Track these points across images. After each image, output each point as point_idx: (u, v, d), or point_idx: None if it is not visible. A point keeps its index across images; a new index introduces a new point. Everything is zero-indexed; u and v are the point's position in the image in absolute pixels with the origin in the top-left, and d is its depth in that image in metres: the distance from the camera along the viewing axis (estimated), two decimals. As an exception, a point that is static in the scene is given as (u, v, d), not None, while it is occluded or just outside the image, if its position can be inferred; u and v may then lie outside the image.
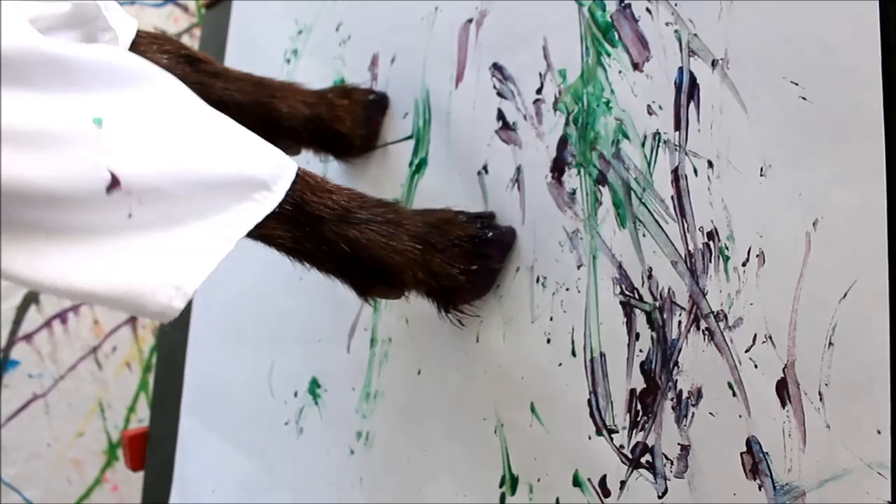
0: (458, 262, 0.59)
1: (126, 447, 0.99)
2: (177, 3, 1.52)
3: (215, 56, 0.94)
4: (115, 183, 0.47)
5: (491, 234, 0.61)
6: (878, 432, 0.42)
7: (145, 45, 0.67)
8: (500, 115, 0.63)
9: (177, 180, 0.50)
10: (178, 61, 0.68)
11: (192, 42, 1.51)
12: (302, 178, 0.56)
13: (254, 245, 0.85)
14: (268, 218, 0.54)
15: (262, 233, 0.55)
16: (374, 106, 0.71)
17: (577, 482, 0.55)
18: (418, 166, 0.69)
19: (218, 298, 0.91)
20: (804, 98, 0.46)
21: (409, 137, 0.70)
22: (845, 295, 0.43)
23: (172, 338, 0.99)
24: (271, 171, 0.54)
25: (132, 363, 1.72)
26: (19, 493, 1.61)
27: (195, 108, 0.53)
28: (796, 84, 0.46)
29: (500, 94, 0.63)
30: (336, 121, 0.70)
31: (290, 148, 0.71)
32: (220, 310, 0.91)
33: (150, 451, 0.98)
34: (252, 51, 0.92)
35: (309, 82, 0.78)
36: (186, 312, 0.95)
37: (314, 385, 0.76)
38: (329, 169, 0.77)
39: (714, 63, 0.50)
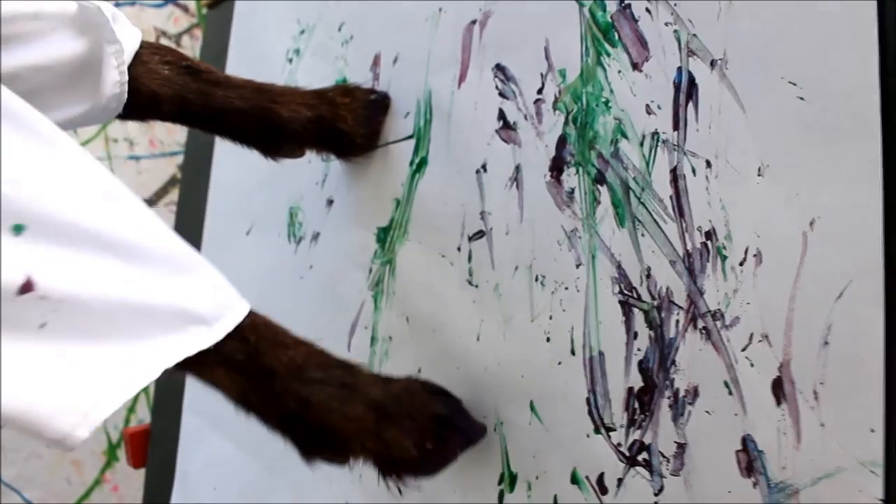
0: (413, 436, 0.56)
1: (128, 444, 0.99)
2: (177, 4, 1.52)
3: (217, 56, 0.95)
4: (27, 286, 0.44)
5: (459, 422, 0.58)
6: (872, 431, 0.42)
7: (147, 55, 0.67)
8: (501, 115, 0.63)
9: (102, 296, 0.47)
10: (179, 72, 0.68)
11: (192, 43, 1.51)
12: (260, 328, 0.54)
13: (255, 245, 0.85)
14: (217, 365, 0.52)
15: (208, 378, 0.53)
16: (375, 105, 0.71)
17: (574, 480, 0.55)
18: (419, 165, 0.69)
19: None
20: (802, 98, 0.46)
21: (410, 137, 0.70)
22: (841, 294, 0.44)
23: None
24: (214, 308, 0.51)
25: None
26: (19, 494, 1.62)
27: (153, 230, 0.51)
28: (794, 84, 0.47)
29: (501, 95, 0.63)
30: (338, 119, 0.70)
31: (295, 150, 0.71)
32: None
33: (152, 449, 0.99)
34: (254, 50, 0.92)
35: (311, 82, 0.78)
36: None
37: (315, 383, 0.76)
38: (331, 168, 0.77)
39: (713, 63, 0.51)
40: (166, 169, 1.69)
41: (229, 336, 0.52)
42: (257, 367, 0.53)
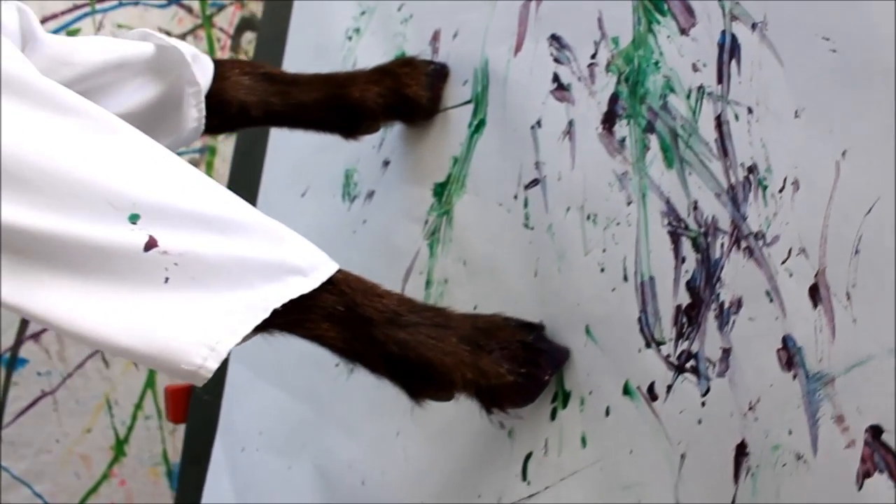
0: (507, 363, 0.62)
1: (168, 400, 1.04)
2: (181, 5, 1.57)
3: (278, 35, 1.03)
4: (151, 243, 0.53)
5: (545, 346, 0.65)
6: (898, 321, 0.49)
7: (228, 71, 0.75)
8: (556, 78, 0.71)
9: (215, 249, 0.54)
10: (258, 79, 0.76)
11: (195, 43, 1.56)
12: (353, 282, 0.61)
13: (309, 206, 0.92)
14: (322, 319, 0.59)
15: (315, 333, 0.60)
16: (435, 73, 0.79)
17: (626, 391, 0.62)
18: (477, 127, 0.77)
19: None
20: (834, 51, 0.55)
21: (469, 102, 0.78)
22: (870, 210, 0.51)
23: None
24: (308, 262, 0.58)
25: (139, 361, 1.76)
26: (29, 488, 1.64)
27: (242, 208, 0.58)
28: (827, 39, 0.55)
29: (556, 61, 0.71)
30: (403, 86, 0.78)
31: (371, 127, 0.79)
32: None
33: (192, 405, 1.04)
34: (314, 30, 1.00)
35: (370, 58, 0.86)
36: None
37: (366, 328, 0.83)
38: (388, 133, 0.84)
39: (754, 26, 0.59)
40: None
41: (328, 292, 0.59)
42: (357, 317, 0.60)
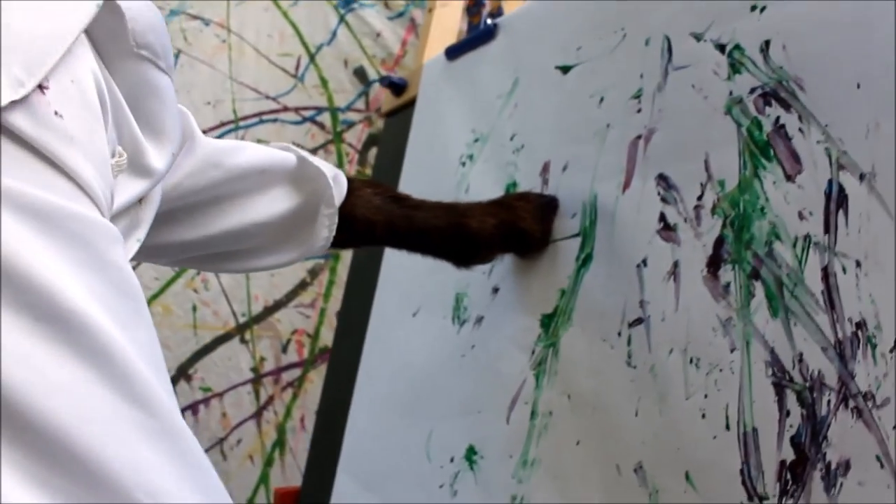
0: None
1: (277, 503, 1.07)
2: (314, 122, 1.66)
3: (394, 158, 1.08)
4: None
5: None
6: None
7: (361, 190, 0.78)
8: (662, 218, 0.72)
9: None
10: (387, 201, 0.79)
11: (325, 156, 1.65)
12: None
13: (420, 325, 0.94)
14: None
15: None
16: (547, 206, 0.81)
17: (727, 545, 0.60)
18: (584, 261, 0.78)
19: (384, 369, 1.01)
20: (947, 208, 0.53)
21: (577, 235, 0.80)
22: None
23: (333, 400, 1.09)
24: None
25: (254, 456, 1.81)
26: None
27: None
28: (940, 196, 0.54)
29: (663, 200, 0.72)
30: (518, 220, 0.80)
31: (485, 257, 0.82)
32: (384, 380, 1.00)
33: (304, 511, 1.07)
34: (430, 155, 1.04)
35: (482, 184, 0.89)
36: (351, 376, 1.04)
37: (471, 452, 0.84)
38: (499, 261, 0.87)
39: (862, 176, 0.58)
40: (297, 273, 1.78)
41: None
42: None
